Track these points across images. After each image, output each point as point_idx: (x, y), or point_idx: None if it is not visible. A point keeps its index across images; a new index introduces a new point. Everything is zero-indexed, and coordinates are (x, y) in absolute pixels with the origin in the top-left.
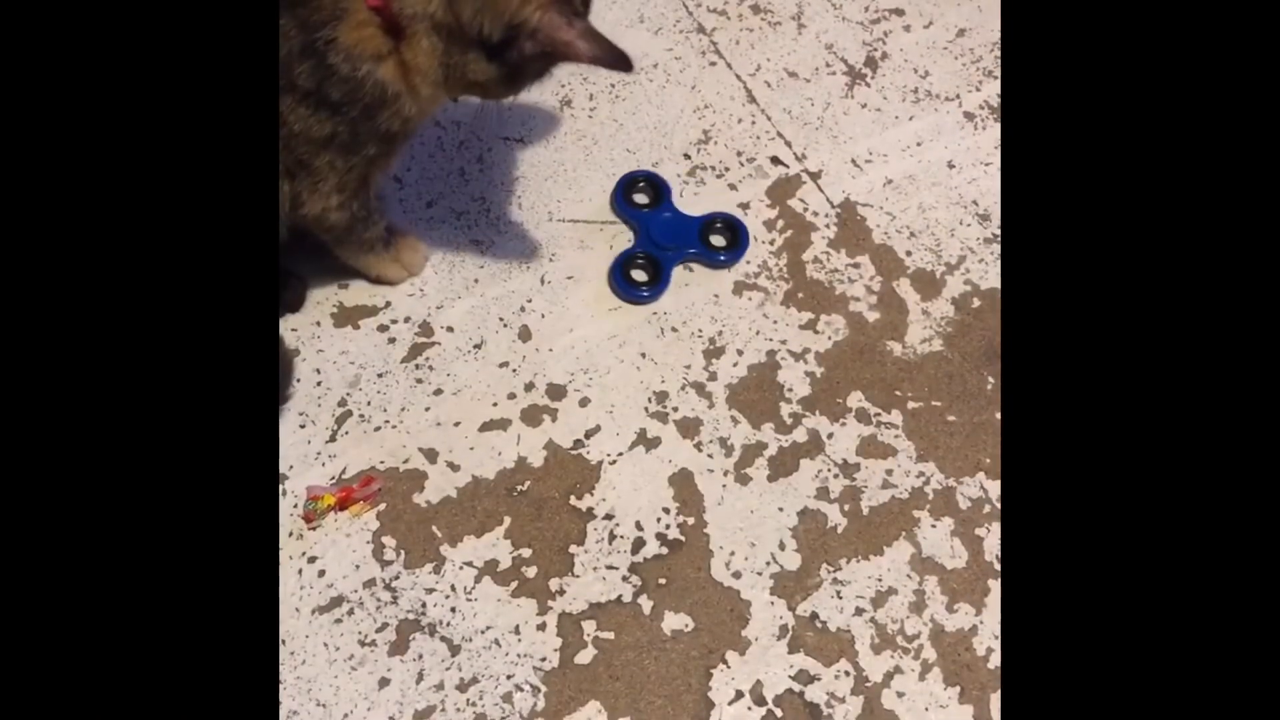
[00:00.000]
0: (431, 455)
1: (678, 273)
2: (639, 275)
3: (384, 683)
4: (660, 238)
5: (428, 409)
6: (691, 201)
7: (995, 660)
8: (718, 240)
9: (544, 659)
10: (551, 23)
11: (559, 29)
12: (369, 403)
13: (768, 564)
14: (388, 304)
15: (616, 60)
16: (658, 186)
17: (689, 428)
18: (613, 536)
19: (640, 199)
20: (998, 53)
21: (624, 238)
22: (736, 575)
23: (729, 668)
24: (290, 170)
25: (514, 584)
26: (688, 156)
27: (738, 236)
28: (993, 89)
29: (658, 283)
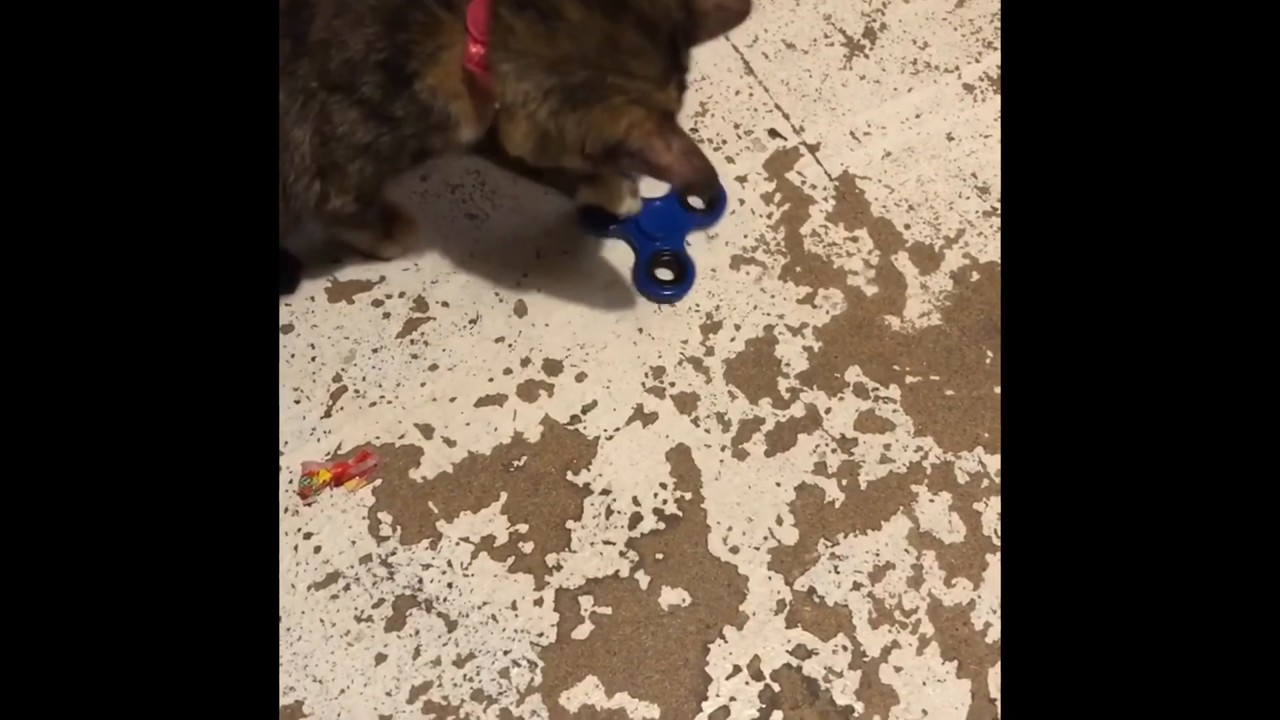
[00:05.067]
0: (427, 431)
1: None
2: (664, 274)
3: (380, 658)
4: (651, 227)
5: (423, 384)
6: None
7: (993, 635)
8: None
9: (541, 634)
10: (652, 147)
11: (660, 154)
12: (364, 378)
13: (765, 539)
14: (382, 279)
15: (706, 185)
16: None
17: (686, 403)
18: (610, 512)
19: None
20: (997, 23)
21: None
22: (734, 550)
23: (726, 642)
24: (323, 170)
25: (511, 559)
26: (694, 130)
27: (716, 201)
28: (992, 60)
29: (683, 280)
